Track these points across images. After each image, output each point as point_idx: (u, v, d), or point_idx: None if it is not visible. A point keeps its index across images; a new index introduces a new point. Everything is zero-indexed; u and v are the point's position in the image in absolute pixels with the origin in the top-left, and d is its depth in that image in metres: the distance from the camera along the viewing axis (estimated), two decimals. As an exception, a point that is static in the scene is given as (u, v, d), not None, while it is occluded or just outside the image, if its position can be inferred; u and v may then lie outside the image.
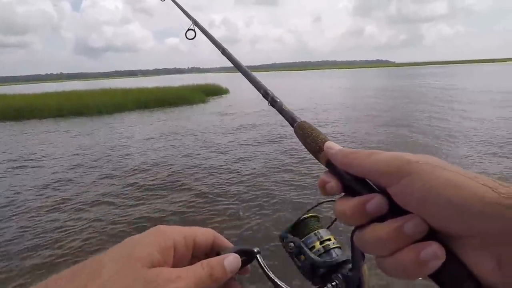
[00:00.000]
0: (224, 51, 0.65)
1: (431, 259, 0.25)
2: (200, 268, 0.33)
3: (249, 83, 0.56)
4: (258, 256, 0.39)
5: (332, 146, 0.35)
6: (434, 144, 7.52)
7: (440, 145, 7.40)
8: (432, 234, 0.27)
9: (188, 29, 0.83)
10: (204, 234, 0.38)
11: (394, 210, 0.28)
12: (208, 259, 0.34)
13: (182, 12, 0.88)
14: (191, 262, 0.35)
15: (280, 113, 0.47)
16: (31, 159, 7.80)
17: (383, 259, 0.28)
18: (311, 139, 0.38)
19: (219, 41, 0.66)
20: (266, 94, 0.52)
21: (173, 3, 0.90)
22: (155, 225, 0.36)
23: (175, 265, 0.34)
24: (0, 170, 6.98)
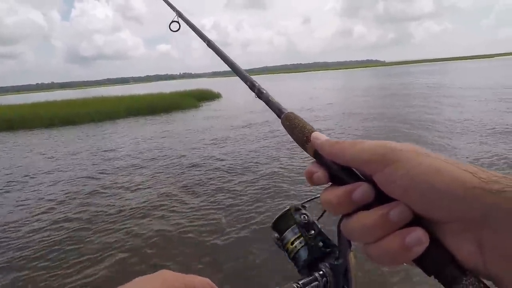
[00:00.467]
0: (209, 43, 0.64)
1: (415, 244, 0.26)
2: None
3: (236, 75, 0.55)
4: None
5: (319, 136, 0.35)
6: (423, 136, 7.78)
7: (428, 137, 7.67)
8: (416, 220, 0.27)
9: (172, 21, 0.82)
10: (201, 283, 0.40)
11: (380, 198, 0.29)
12: None
13: (166, 4, 0.87)
14: None
15: (267, 104, 0.47)
16: (21, 168, 7.69)
17: (369, 246, 0.29)
18: (298, 130, 0.38)
19: (204, 33, 0.66)
20: (252, 85, 0.52)
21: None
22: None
23: None
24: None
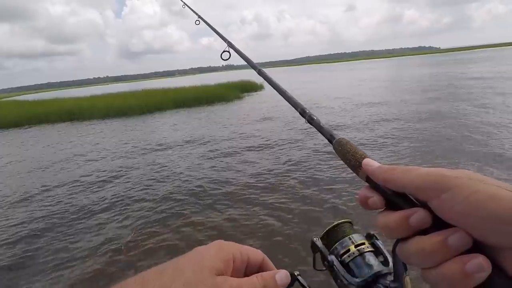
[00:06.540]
0: (260, 72, 0.66)
1: (476, 271, 0.26)
2: (255, 280, 0.37)
3: (287, 102, 0.57)
4: (299, 277, 0.44)
5: (371, 163, 0.36)
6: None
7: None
8: (476, 247, 0.27)
9: (224, 51, 0.86)
10: (255, 253, 0.42)
11: (437, 224, 0.29)
12: (262, 273, 0.39)
13: (218, 36, 0.91)
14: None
15: (319, 130, 0.48)
16: (81, 155, 8.54)
17: (428, 271, 0.29)
18: (350, 155, 0.39)
19: (253, 61, 0.68)
20: (303, 112, 0.53)
21: (207, 26, 0.93)
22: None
23: (233, 276, 0.38)
24: (51, 166, 7.76)
